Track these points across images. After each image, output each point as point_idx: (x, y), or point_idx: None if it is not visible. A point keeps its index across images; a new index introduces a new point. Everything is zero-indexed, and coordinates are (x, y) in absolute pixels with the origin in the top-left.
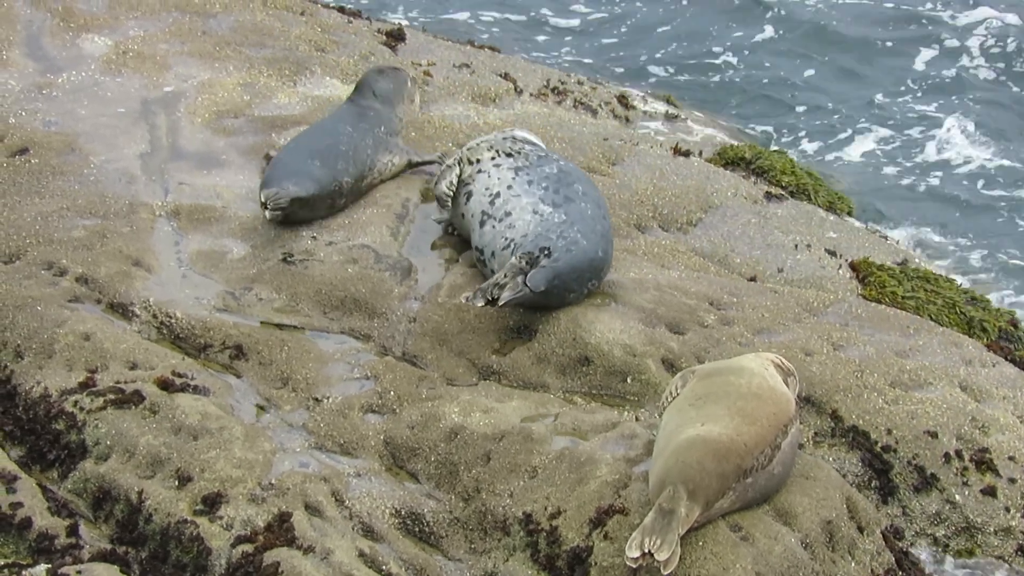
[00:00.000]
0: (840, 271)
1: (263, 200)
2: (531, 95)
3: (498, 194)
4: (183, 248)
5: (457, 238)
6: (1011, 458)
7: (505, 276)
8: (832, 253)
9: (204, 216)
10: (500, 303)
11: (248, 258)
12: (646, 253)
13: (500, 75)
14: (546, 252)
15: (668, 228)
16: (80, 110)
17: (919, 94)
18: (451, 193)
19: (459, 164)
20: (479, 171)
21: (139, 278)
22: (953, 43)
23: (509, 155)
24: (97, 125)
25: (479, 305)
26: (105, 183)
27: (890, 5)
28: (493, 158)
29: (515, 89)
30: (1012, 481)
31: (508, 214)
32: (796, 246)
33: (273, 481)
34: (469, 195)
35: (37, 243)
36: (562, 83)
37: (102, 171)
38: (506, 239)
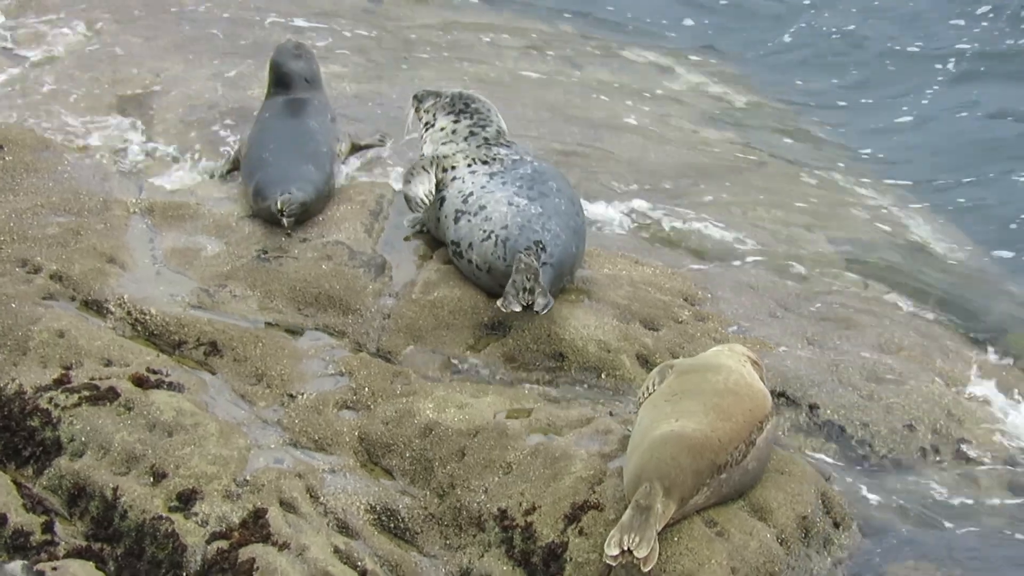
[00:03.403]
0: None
1: (280, 207)
2: (518, 52)
3: (471, 193)
4: (157, 245)
5: (430, 235)
6: (987, 451)
7: (528, 279)
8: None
9: (178, 213)
10: (542, 311)
11: (222, 255)
12: (620, 248)
13: (486, 36)
14: (541, 247)
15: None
16: (54, 104)
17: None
18: (428, 201)
19: (433, 168)
20: (453, 178)
21: (113, 275)
22: None
23: (485, 163)
24: (71, 119)
25: (516, 311)
26: (79, 180)
27: None
28: (469, 165)
29: (500, 50)
30: (989, 475)
31: (483, 207)
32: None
33: (248, 477)
34: (443, 200)
35: (11, 240)
36: (548, 40)
37: (76, 168)
38: (484, 231)
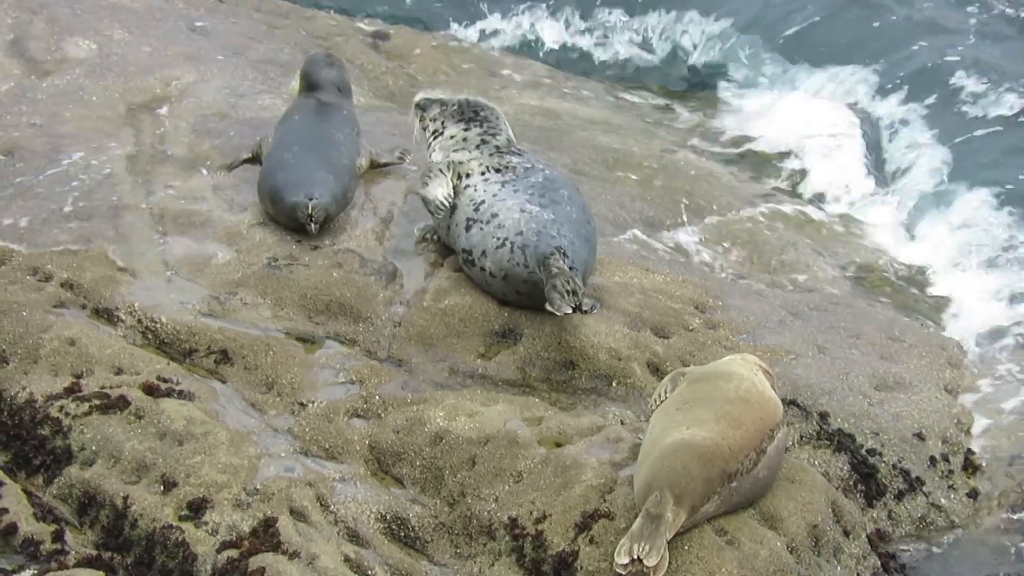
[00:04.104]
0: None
1: (309, 212)
2: (520, 88)
3: (483, 201)
4: (168, 253)
5: (441, 243)
6: (996, 460)
7: (568, 282)
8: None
9: (189, 220)
10: (591, 311)
11: (233, 263)
12: (631, 256)
13: (488, 71)
14: (563, 252)
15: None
16: (65, 113)
17: None
18: (448, 204)
19: (450, 172)
20: (466, 186)
21: (124, 283)
22: None
23: (498, 171)
24: (82, 128)
25: (568, 312)
26: (90, 187)
27: None
28: (483, 173)
29: (503, 84)
30: (997, 485)
31: (495, 215)
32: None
33: (258, 486)
34: (453, 208)
35: (22, 247)
36: (551, 78)
37: (87, 175)
38: (498, 239)
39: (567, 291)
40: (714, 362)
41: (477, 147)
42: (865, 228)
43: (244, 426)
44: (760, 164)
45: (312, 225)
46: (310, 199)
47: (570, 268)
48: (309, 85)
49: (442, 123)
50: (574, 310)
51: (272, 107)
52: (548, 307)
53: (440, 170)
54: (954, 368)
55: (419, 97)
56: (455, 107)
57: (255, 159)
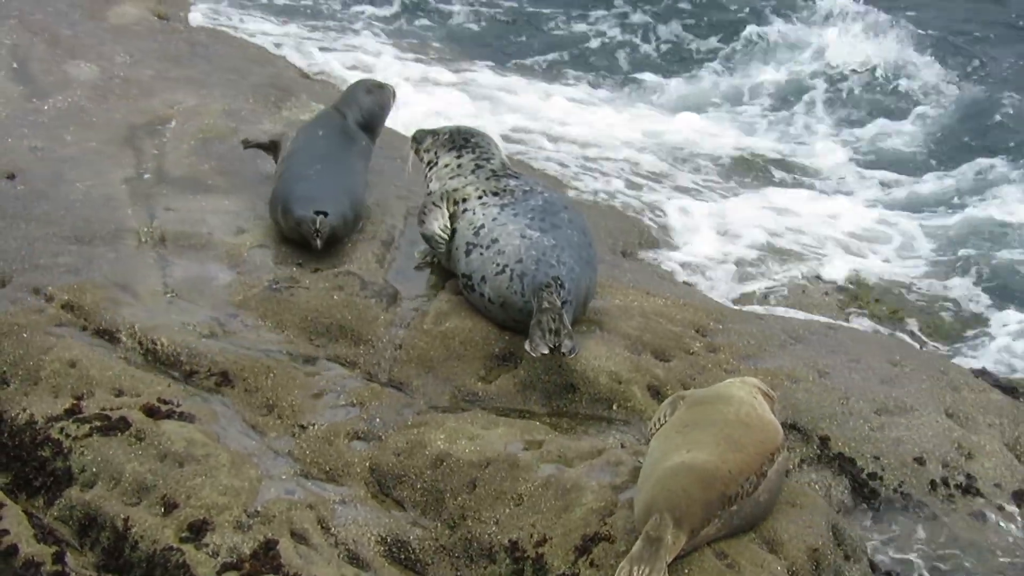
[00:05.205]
0: (826, 297)
1: (316, 227)
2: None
3: (483, 225)
4: (169, 274)
5: (441, 266)
6: (997, 485)
7: (554, 320)
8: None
9: (190, 242)
10: (570, 355)
11: (234, 284)
12: (631, 280)
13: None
14: (560, 283)
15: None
16: (66, 136)
17: None
18: (446, 235)
19: (444, 203)
20: (464, 210)
21: (125, 304)
22: None
23: (496, 194)
24: (84, 150)
25: (544, 353)
26: (91, 208)
27: None
28: (480, 197)
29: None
30: (1000, 509)
31: (495, 240)
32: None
33: (259, 508)
34: (453, 232)
35: (23, 269)
36: None
37: (88, 196)
38: (498, 264)
39: (550, 330)
40: (714, 385)
41: (472, 172)
42: None
43: (245, 448)
44: None
45: (317, 240)
46: (319, 214)
47: (564, 302)
48: (345, 101)
49: (435, 153)
50: (552, 351)
51: (272, 132)
52: (526, 346)
53: (434, 203)
54: (955, 392)
55: (414, 131)
56: (446, 136)
57: (271, 147)
